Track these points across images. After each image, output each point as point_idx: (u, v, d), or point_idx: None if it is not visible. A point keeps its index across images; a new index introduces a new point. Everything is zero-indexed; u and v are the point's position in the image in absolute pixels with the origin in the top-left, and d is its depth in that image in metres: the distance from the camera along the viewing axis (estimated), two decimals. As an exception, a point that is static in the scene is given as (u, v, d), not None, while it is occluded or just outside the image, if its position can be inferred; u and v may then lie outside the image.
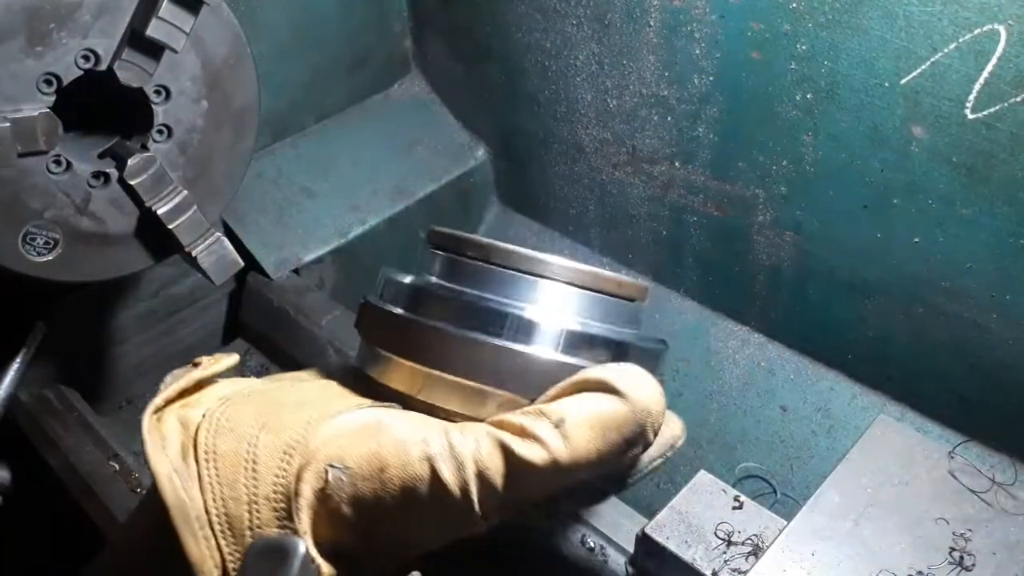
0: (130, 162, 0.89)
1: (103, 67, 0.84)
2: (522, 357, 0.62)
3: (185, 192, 0.93)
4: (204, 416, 0.60)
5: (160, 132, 0.92)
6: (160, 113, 0.91)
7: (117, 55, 0.84)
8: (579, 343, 0.64)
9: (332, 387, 0.66)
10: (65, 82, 0.83)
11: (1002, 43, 0.87)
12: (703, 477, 0.87)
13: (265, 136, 1.41)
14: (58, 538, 1.11)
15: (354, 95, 1.52)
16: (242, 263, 0.98)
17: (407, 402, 0.64)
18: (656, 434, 0.62)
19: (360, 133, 1.52)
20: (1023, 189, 0.92)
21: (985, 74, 0.89)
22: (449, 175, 1.54)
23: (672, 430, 0.69)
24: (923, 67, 0.94)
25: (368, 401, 0.62)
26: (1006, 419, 1.05)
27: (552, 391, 0.60)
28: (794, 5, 1.01)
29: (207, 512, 0.56)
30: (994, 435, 1.06)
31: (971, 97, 0.92)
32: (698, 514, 0.83)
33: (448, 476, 0.55)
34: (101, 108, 0.92)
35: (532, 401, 0.61)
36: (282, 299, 1.30)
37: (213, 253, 0.95)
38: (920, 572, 0.72)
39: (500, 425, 0.58)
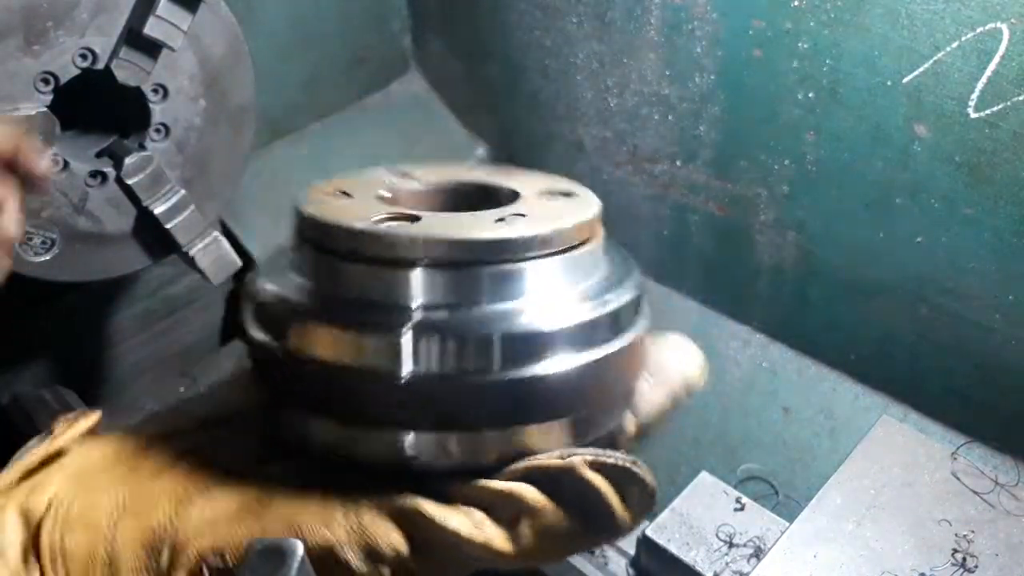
0: (127, 161, 0.88)
1: (101, 66, 0.84)
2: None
3: (183, 191, 0.92)
4: (50, 506, 0.48)
5: (158, 131, 0.91)
6: (158, 112, 0.90)
7: (115, 54, 0.84)
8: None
9: (197, 455, 0.52)
10: (62, 81, 0.82)
11: (1005, 42, 0.87)
12: (704, 479, 0.87)
13: (263, 135, 1.40)
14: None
15: (353, 94, 1.52)
16: (240, 263, 0.97)
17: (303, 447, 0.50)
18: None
19: (359, 132, 1.51)
20: (1027, 188, 0.92)
21: (988, 73, 0.89)
22: (449, 174, 1.53)
23: (685, 364, 0.57)
24: (925, 66, 0.93)
25: (235, 472, 0.50)
26: (1009, 420, 1.04)
27: (518, 466, 0.48)
28: (796, 3, 1.00)
29: None
30: (997, 436, 1.05)
31: (974, 96, 0.91)
32: (699, 516, 0.83)
33: (357, 565, 0.45)
34: (99, 107, 0.91)
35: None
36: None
37: (211, 253, 0.94)
38: (923, 574, 0.72)
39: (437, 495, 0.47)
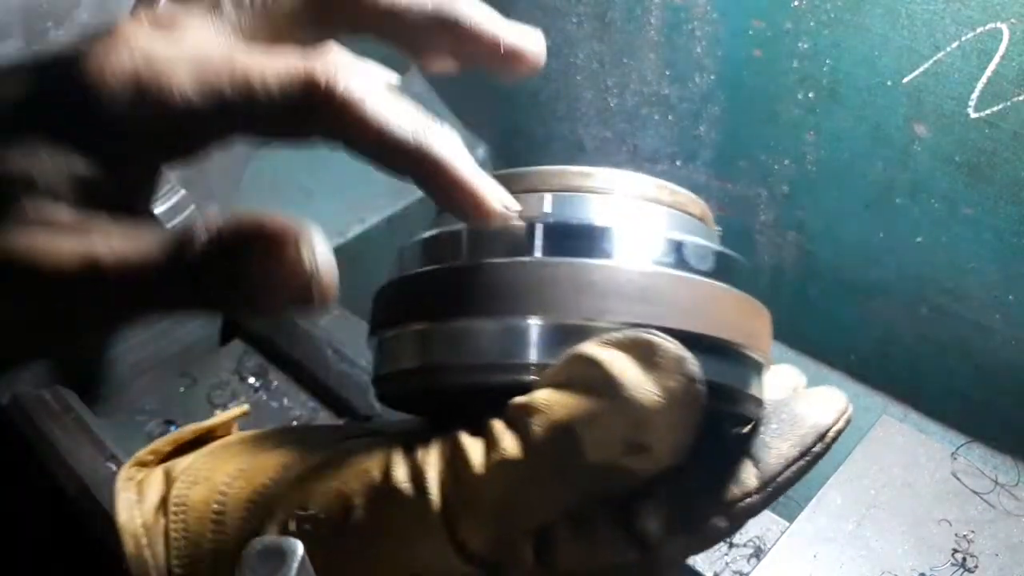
0: (127, 161, 0.88)
1: (100, 66, 0.84)
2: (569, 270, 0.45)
3: (183, 191, 0.92)
4: (186, 467, 0.53)
5: (157, 131, 0.91)
6: (157, 112, 0.90)
7: (114, 54, 0.84)
8: (662, 251, 0.48)
9: (328, 429, 0.59)
10: (61, 81, 0.82)
11: (1005, 41, 0.87)
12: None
13: (264, 135, 1.40)
14: (55, 540, 1.11)
15: (353, 94, 1.52)
16: (240, 263, 0.97)
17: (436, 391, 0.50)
18: (663, 447, 0.43)
19: (359, 132, 1.51)
20: (1027, 188, 0.92)
21: (988, 73, 0.89)
22: (449, 174, 1.53)
23: (820, 415, 0.50)
24: (925, 65, 0.93)
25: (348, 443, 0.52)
26: (1010, 420, 1.04)
27: (549, 372, 0.44)
28: (796, 3, 1.00)
29: (168, 572, 0.50)
30: (997, 436, 1.05)
31: (974, 96, 0.91)
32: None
33: (407, 490, 0.46)
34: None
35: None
36: (281, 299, 1.29)
37: (211, 253, 0.94)
38: (923, 574, 0.72)
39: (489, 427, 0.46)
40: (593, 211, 0.49)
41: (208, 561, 0.50)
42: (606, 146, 1.33)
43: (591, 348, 0.43)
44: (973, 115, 0.92)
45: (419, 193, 1.42)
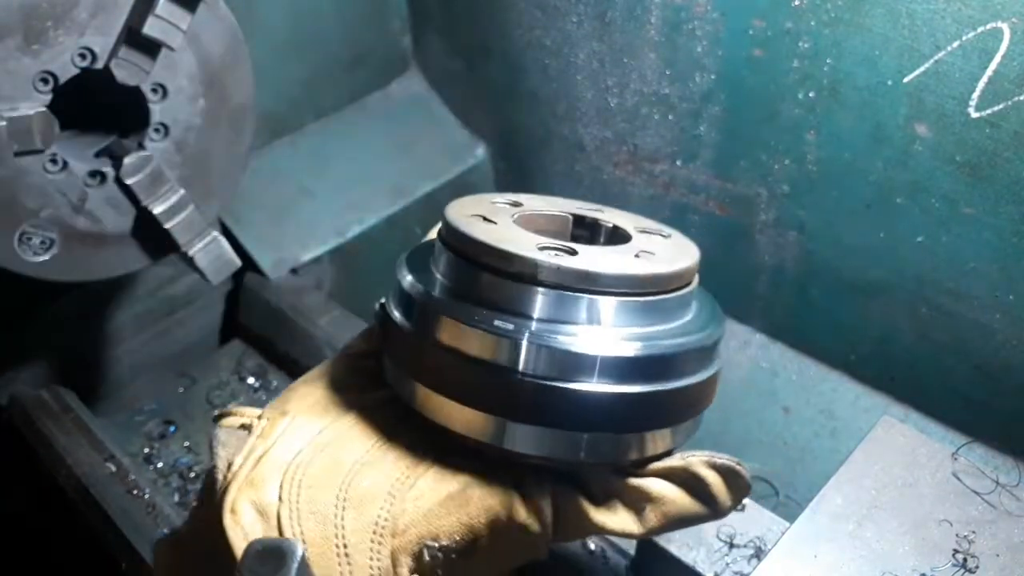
0: (126, 161, 0.88)
1: (100, 65, 0.84)
2: (556, 392, 0.57)
3: (182, 191, 0.92)
4: (281, 500, 0.58)
5: (157, 131, 0.91)
6: (157, 111, 0.90)
7: (114, 53, 0.84)
8: (628, 369, 0.58)
9: (377, 431, 0.64)
10: (61, 80, 0.82)
11: (1006, 41, 0.87)
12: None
13: (263, 134, 1.40)
14: (54, 539, 1.11)
15: (353, 93, 1.52)
16: (239, 263, 0.97)
17: (444, 432, 0.62)
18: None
19: (359, 131, 1.51)
20: (1027, 188, 0.92)
21: (989, 72, 0.89)
22: (448, 174, 1.53)
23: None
24: (926, 65, 0.93)
25: (424, 458, 0.62)
26: (1010, 420, 1.04)
27: (652, 468, 0.62)
28: (796, 3, 1.00)
29: None
30: (998, 436, 1.05)
31: (975, 95, 0.91)
32: (700, 516, 0.83)
33: (536, 529, 0.59)
34: (98, 107, 0.91)
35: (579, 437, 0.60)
36: (280, 299, 1.30)
37: (210, 253, 0.94)
38: (923, 574, 0.72)
39: (584, 486, 0.61)
40: (575, 342, 0.58)
41: None
42: (606, 146, 1.33)
43: (700, 467, 0.62)
44: (974, 115, 0.92)
45: (418, 193, 1.42)
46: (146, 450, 1.18)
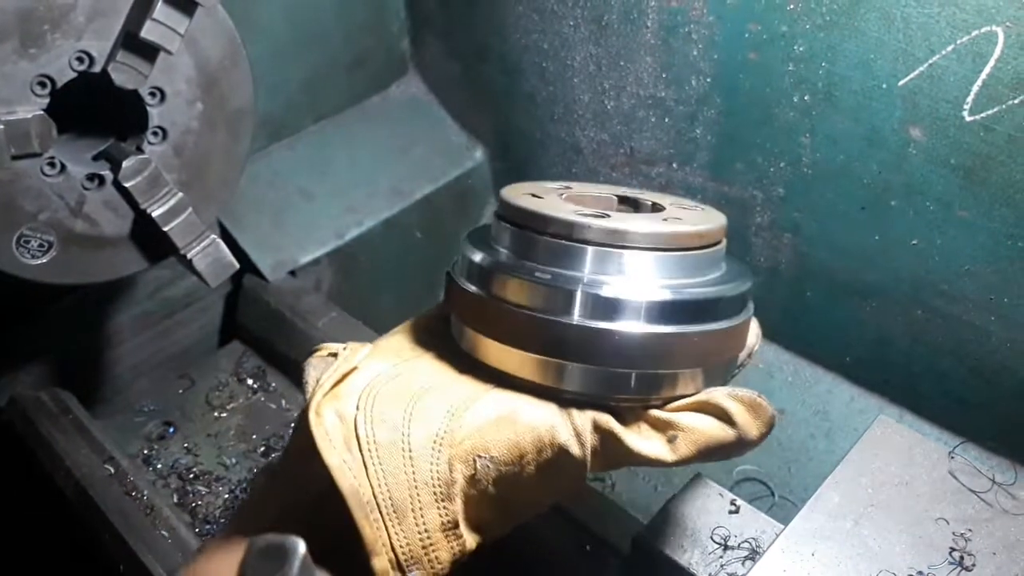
0: (125, 164, 0.89)
1: (97, 69, 0.84)
2: (601, 334, 0.65)
3: (180, 194, 0.93)
4: (358, 409, 0.67)
5: (155, 134, 0.92)
6: (155, 115, 0.91)
7: (111, 57, 0.84)
8: (663, 312, 0.66)
9: (445, 369, 0.73)
10: (59, 84, 0.83)
11: (1000, 45, 0.87)
12: (699, 481, 0.87)
13: (262, 137, 1.40)
14: (53, 541, 1.11)
15: (352, 96, 1.52)
16: (237, 265, 0.98)
17: (502, 376, 0.70)
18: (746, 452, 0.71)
19: (357, 134, 1.51)
20: (1021, 192, 0.92)
21: (983, 76, 0.89)
22: (447, 176, 1.54)
23: (749, 338, 0.74)
24: (921, 69, 0.94)
25: (485, 386, 0.70)
26: (1005, 422, 1.04)
27: (679, 403, 0.68)
28: (791, 6, 1.00)
29: (375, 497, 0.64)
30: (993, 438, 1.06)
31: (969, 99, 0.91)
32: (694, 518, 0.83)
33: (576, 452, 0.66)
34: (96, 110, 0.92)
35: (626, 378, 0.67)
36: (279, 301, 1.30)
37: (208, 256, 0.94)
38: (920, 572, 0.72)
39: (621, 418, 0.68)
40: (615, 289, 0.66)
41: (407, 486, 0.64)
42: (603, 148, 1.34)
43: (723, 399, 0.68)
44: (968, 118, 0.92)
45: (417, 196, 1.43)
46: (145, 451, 1.19)
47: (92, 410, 1.18)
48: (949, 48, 0.91)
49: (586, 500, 0.93)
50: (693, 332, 0.66)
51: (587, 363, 0.66)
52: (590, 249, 0.67)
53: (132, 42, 0.84)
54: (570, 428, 0.66)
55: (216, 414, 1.25)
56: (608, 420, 0.67)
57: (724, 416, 0.68)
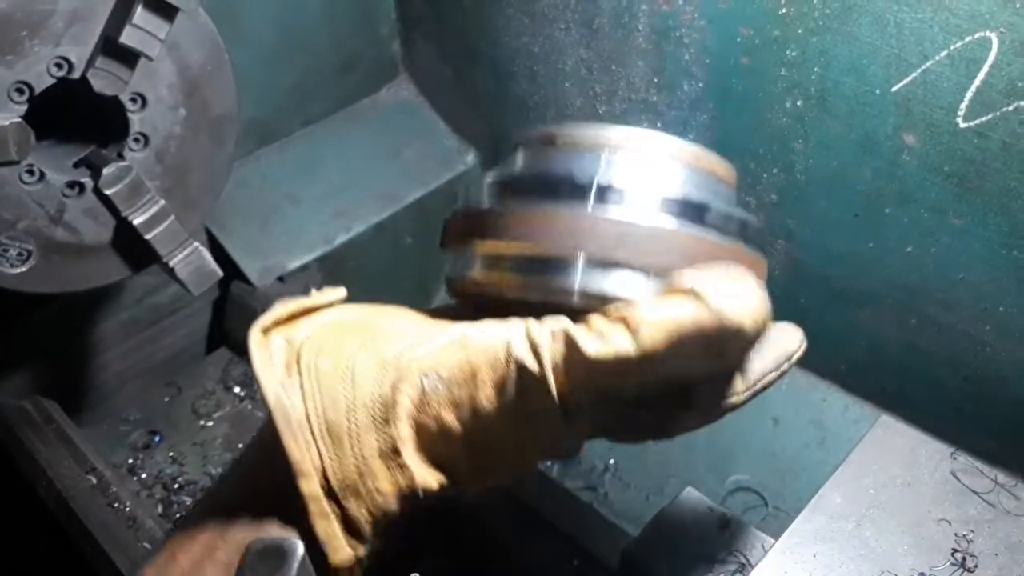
0: (105, 171, 0.87)
1: (76, 75, 0.83)
2: (609, 223, 0.60)
3: (162, 202, 0.91)
4: (308, 337, 0.62)
5: (136, 140, 0.90)
6: (136, 121, 0.89)
7: (91, 63, 0.83)
8: (679, 210, 0.62)
9: (429, 319, 0.67)
10: (37, 91, 0.81)
11: (994, 51, 0.86)
12: (689, 494, 0.86)
13: (250, 141, 1.39)
14: (35, 552, 1.10)
15: (341, 99, 1.51)
16: (221, 274, 0.96)
17: (494, 297, 0.64)
18: (746, 349, 0.61)
19: (347, 138, 1.50)
20: (1016, 199, 0.91)
21: (977, 82, 0.88)
22: (438, 180, 1.52)
23: (787, 342, 0.68)
24: (914, 74, 0.92)
25: (462, 324, 0.63)
26: (1000, 431, 1.03)
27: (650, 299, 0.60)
28: (784, 11, 0.99)
29: (307, 418, 0.58)
30: (988, 447, 1.05)
31: (963, 105, 0.90)
32: (684, 531, 0.82)
33: (532, 366, 0.58)
34: (76, 116, 0.90)
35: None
36: (266, 307, 1.26)
37: (191, 264, 0.93)
38: (922, 573, 0.72)
39: (586, 323, 0.59)
40: (635, 176, 0.63)
41: (344, 410, 0.58)
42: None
43: (689, 273, 0.58)
44: (962, 125, 0.91)
45: (407, 200, 1.42)
46: (130, 460, 1.18)
47: (77, 418, 1.16)
48: (942, 54, 0.89)
49: (575, 512, 0.92)
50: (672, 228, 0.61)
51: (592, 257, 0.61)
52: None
53: (112, 48, 0.82)
54: (525, 342, 0.59)
55: (202, 423, 1.23)
56: (564, 323, 0.59)
57: (692, 293, 0.57)
